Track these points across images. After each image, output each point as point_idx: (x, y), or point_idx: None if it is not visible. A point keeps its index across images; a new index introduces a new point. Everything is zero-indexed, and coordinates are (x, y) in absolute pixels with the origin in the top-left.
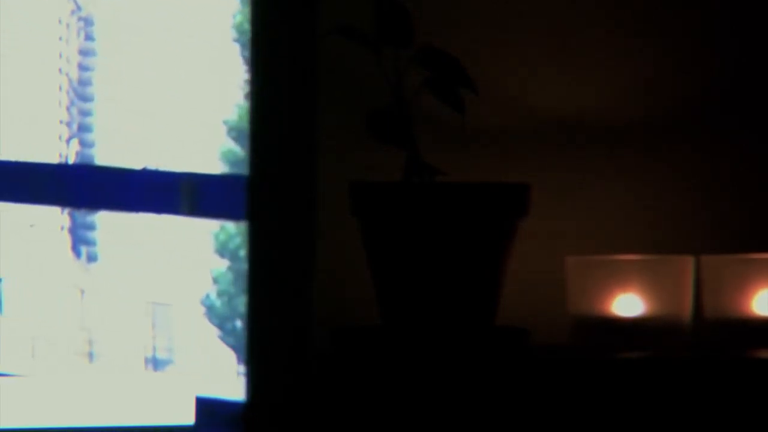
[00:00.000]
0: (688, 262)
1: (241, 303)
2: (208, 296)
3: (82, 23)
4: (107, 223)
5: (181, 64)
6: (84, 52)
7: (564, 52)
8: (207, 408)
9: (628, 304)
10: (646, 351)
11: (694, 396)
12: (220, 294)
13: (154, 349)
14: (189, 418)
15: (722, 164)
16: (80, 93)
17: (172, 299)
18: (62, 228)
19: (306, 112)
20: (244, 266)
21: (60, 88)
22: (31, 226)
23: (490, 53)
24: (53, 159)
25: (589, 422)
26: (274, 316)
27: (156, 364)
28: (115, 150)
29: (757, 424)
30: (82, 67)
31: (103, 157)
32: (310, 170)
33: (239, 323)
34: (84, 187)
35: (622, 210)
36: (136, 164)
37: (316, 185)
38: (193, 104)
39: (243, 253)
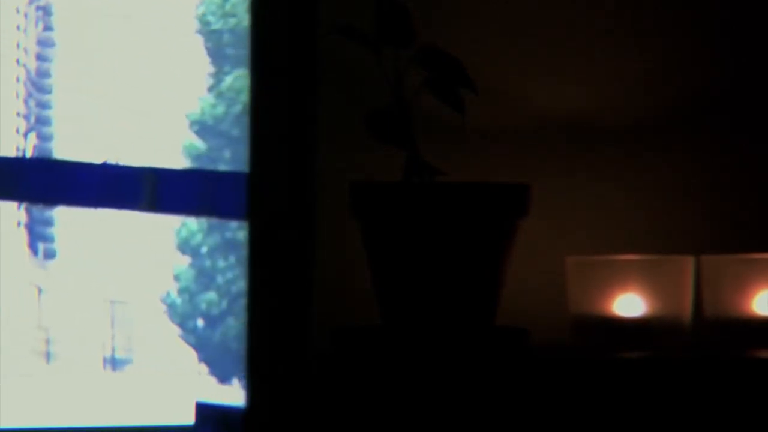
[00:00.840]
0: (688, 262)
1: (203, 301)
2: (168, 294)
3: (40, 13)
4: (65, 218)
5: (143, 56)
6: (42, 43)
7: (564, 52)
8: (206, 413)
9: (628, 304)
10: (646, 351)
11: (694, 396)
12: (181, 292)
13: (113, 348)
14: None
15: (722, 164)
16: (38, 84)
17: (131, 297)
18: (19, 224)
19: (306, 112)
20: (206, 263)
21: (17, 80)
22: None
23: (490, 53)
24: (10, 152)
25: (589, 422)
26: (274, 315)
27: (115, 363)
28: (74, 143)
29: (757, 424)
30: (41, 58)
31: (61, 151)
32: (310, 170)
33: (200, 322)
34: (42, 182)
35: (622, 210)
36: (96, 158)
37: (316, 185)
38: (155, 97)
39: (205, 249)
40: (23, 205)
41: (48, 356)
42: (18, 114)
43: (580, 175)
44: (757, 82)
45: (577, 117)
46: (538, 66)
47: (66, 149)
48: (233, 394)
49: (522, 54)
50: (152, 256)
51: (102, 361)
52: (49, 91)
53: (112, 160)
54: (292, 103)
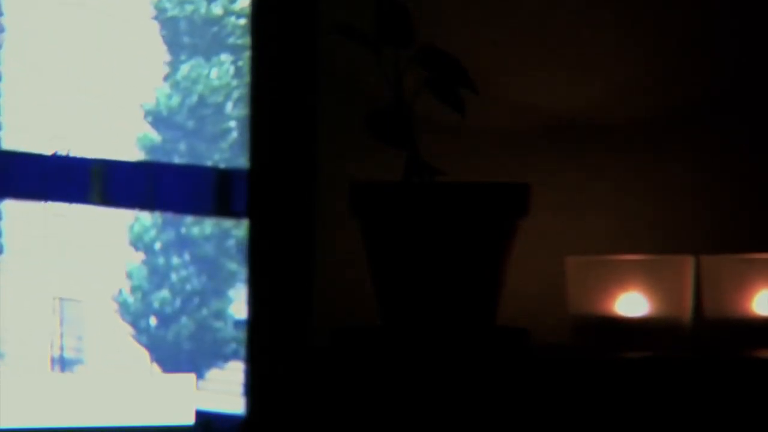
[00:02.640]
0: (688, 262)
1: (156, 299)
2: (120, 292)
3: None
4: (13, 212)
5: (96, 43)
6: None
7: (564, 52)
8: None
9: (628, 304)
10: (646, 351)
11: (694, 396)
12: (133, 290)
13: (62, 348)
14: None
15: (722, 164)
16: None
17: (82, 295)
18: None
19: (306, 112)
20: (160, 260)
21: None
22: None
23: (490, 53)
24: None
25: (589, 422)
26: (273, 316)
27: (64, 364)
28: (23, 133)
29: (757, 424)
30: None
31: (9, 141)
32: (310, 170)
33: (153, 321)
34: None
35: (622, 210)
36: (45, 149)
37: (316, 185)
38: (108, 86)
39: (158, 246)
40: None
41: None
42: None
43: (581, 175)
44: (758, 82)
45: (577, 117)
46: (538, 66)
47: (13, 139)
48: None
49: (522, 54)
50: (104, 252)
51: (50, 361)
52: None
53: (62, 152)
54: (292, 103)
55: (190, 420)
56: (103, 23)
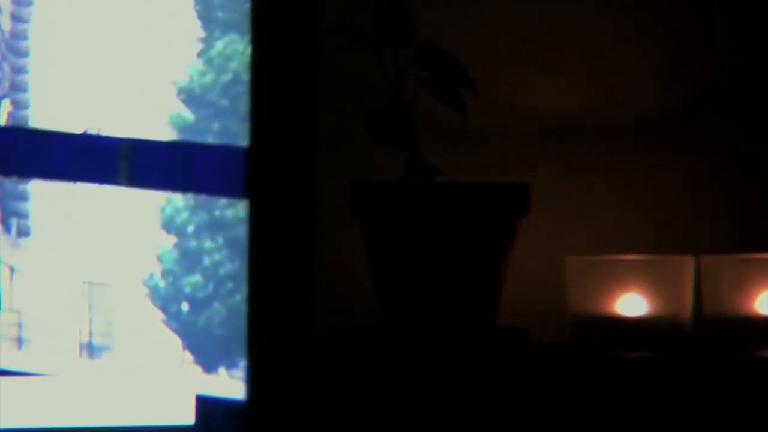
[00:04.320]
0: (688, 262)
1: (188, 284)
2: (151, 276)
3: None
4: (41, 193)
5: (128, 17)
6: (18, 1)
7: (564, 51)
8: (206, 407)
9: (628, 304)
10: (646, 351)
11: (694, 396)
12: (164, 274)
13: (91, 334)
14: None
15: (722, 164)
16: (13, 47)
17: (111, 279)
18: None
19: (306, 112)
20: (192, 244)
21: None
22: None
23: (490, 53)
24: None
25: (589, 422)
26: (273, 316)
27: (92, 350)
28: (52, 112)
29: (757, 424)
30: (16, 18)
31: (38, 120)
32: (310, 170)
33: (185, 306)
34: (16, 153)
35: (622, 210)
36: (75, 128)
37: (316, 185)
38: (140, 63)
39: (191, 229)
40: None
41: (20, 342)
42: None
43: (580, 175)
44: (758, 82)
45: (577, 116)
46: (537, 65)
47: (43, 117)
48: (219, 384)
49: (522, 54)
50: (134, 235)
51: (78, 348)
52: (26, 55)
53: (92, 131)
54: (292, 103)
55: (190, 420)
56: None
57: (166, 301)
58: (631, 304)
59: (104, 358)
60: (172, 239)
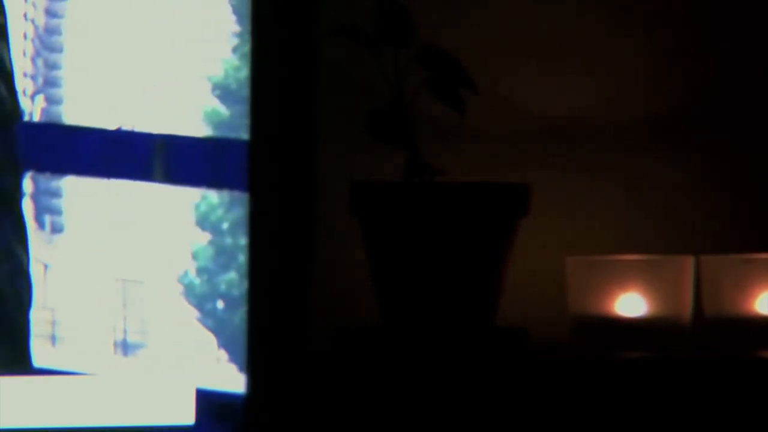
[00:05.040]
0: (688, 262)
1: (223, 281)
2: (186, 273)
3: None
4: (75, 189)
5: (162, 12)
6: None
7: (564, 51)
8: (207, 401)
9: (628, 304)
10: (646, 351)
11: (694, 396)
12: (199, 271)
13: (125, 331)
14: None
15: (722, 164)
16: (47, 43)
17: (145, 276)
18: (24, 194)
19: (306, 112)
20: (227, 240)
21: (25, 37)
22: None
23: (490, 53)
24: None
25: (589, 422)
26: (273, 316)
27: (126, 348)
28: (86, 108)
29: (757, 424)
30: (50, 13)
31: (71, 116)
32: (310, 170)
33: (220, 304)
34: (49, 149)
35: (622, 210)
36: (109, 124)
37: (316, 185)
38: (175, 58)
39: (226, 225)
40: (29, 174)
41: (53, 339)
42: (25, 74)
43: (580, 175)
44: (758, 82)
45: (576, 116)
46: (537, 65)
47: (76, 114)
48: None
49: (522, 53)
50: (169, 232)
51: (113, 345)
52: (59, 50)
53: (126, 127)
54: (292, 104)
55: (190, 420)
56: None
57: (201, 298)
58: (631, 304)
59: (139, 355)
60: (207, 236)
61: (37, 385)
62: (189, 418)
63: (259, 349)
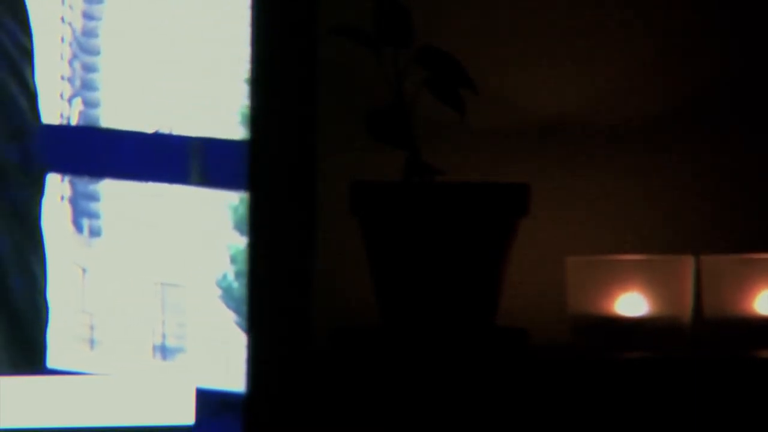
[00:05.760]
0: (688, 262)
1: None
2: (224, 277)
3: None
4: (113, 192)
5: (199, 14)
6: None
7: (564, 51)
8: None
9: (628, 304)
10: (646, 351)
11: (694, 396)
12: (238, 275)
13: (164, 335)
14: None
15: (722, 164)
16: (84, 45)
17: (184, 280)
18: (62, 198)
19: (306, 112)
20: None
21: (62, 40)
22: None
23: (490, 53)
24: (53, 120)
25: (589, 422)
26: (273, 316)
27: (165, 352)
28: (123, 110)
29: (757, 424)
30: (87, 16)
31: (109, 119)
32: (310, 170)
33: None
34: (87, 152)
35: (622, 210)
36: (147, 127)
37: (316, 185)
38: (213, 60)
39: None
40: (67, 178)
41: (92, 343)
42: (62, 77)
43: (580, 175)
44: (758, 82)
45: (576, 116)
46: (537, 65)
47: (114, 117)
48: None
49: (521, 53)
50: (207, 235)
51: (151, 349)
52: (97, 53)
53: (164, 130)
54: (292, 104)
55: (190, 420)
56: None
57: (239, 302)
58: (631, 304)
59: (177, 359)
60: (245, 239)
61: (37, 385)
62: (189, 417)
63: (259, 348)
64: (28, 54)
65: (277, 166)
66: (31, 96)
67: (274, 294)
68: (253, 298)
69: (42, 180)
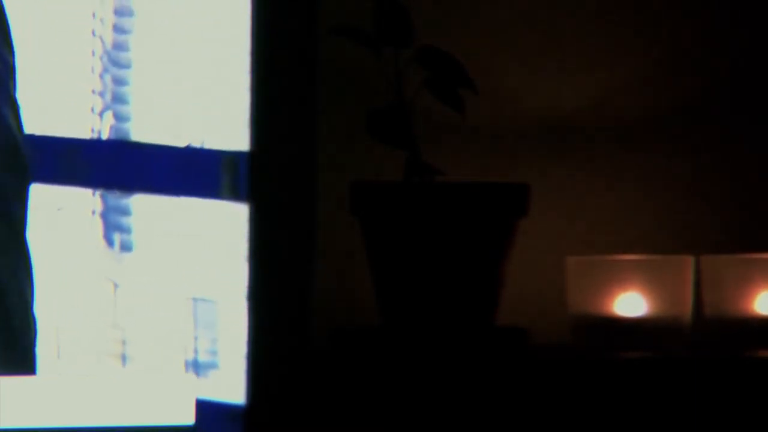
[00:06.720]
0: (688, 262)
1: None
2: None
3: None
4: (144, 207)
5: (229, 27)
6: (120, 12)
7: (564, 51)
8: (207, 410)
9: (628, 304)
10: (646, 351)
11: (694, 396)
12: None
13: (196, 350)
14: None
15: (722, 164)
16: (115, 59)
17: (216, 295)
18: (93, 212)
19: (306, 112)
20: None
21: (93, 53)
22: (59, 209)
23: (490, 53)
24: (84, 134)
25: (589, 422)
26: (273, 316)
27: (198, 367)
28: (154, 124)
29: (757, 424)
30: (118, 29)
31: (139, 133)
32: (310, 170)
33: None
34: (118, 166)
35: (622, 210)
36: (178, 141)
37: (316, 185)
38: (242, 74)
39: None
40: (98, 192)
41: (124, 358)
42: (93, 91)
43: (580, 175)
44: (758, 82)
45: (576, 116)
46: (537, 66)
47: (144, 131)
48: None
49: (522, 53)
50: (238, 249)
51: (184, 365)
52: (127, 66)
53: (195, 144)
54: (293, 104)
55: (190, 420)
56: (237, 6)
57: None
58: (631, 304)
59: (210, 375)
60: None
61: (36, 385)
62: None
63: (259, 349)
64: (10, 68)
65: (276, 166)
66: (15, 110)
67: (274, 294)
68: (253, 298)
69: (27, 192)
